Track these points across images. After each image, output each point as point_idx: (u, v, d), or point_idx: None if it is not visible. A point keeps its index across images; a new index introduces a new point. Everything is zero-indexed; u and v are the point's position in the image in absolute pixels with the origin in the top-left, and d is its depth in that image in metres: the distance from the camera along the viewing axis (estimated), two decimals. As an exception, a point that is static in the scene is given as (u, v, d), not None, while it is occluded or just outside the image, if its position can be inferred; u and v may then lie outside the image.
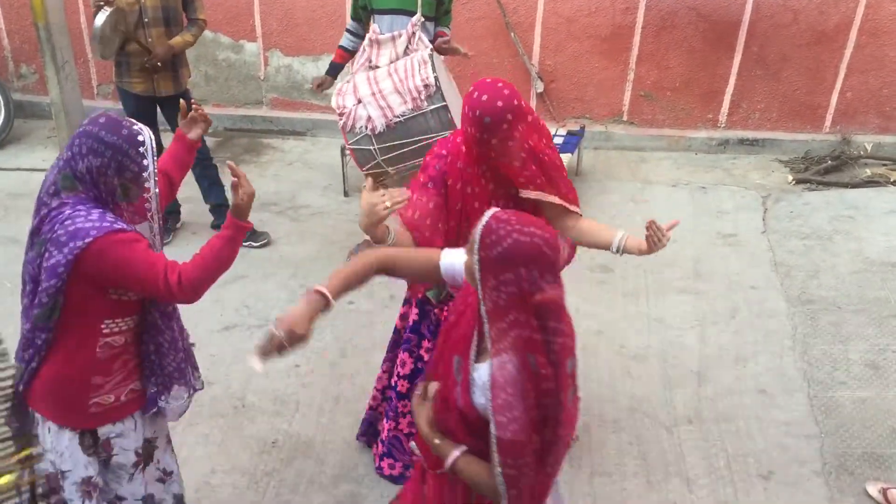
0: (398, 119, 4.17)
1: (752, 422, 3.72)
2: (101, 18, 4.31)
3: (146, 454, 2.54)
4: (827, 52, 6.14)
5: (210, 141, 6.16)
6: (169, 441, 2.66)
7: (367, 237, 5.18)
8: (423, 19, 4.44)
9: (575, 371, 1.89)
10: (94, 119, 2.24)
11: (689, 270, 4.85)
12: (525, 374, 1.78)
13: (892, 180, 5.84)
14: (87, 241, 2.14)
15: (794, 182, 5.92)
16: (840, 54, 6.13)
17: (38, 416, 2.40)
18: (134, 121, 2.29)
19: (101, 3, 4.33)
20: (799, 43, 6.11)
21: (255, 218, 5.14)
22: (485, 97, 2.47)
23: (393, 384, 3.20)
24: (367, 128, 4.20)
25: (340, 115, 4.31)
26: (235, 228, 2.37)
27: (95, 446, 2.42)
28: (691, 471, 3.47)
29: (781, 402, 3.83)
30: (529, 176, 2.62)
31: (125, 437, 2.45)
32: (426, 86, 4.11)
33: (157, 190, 2.33)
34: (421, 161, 4.34)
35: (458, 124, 4.18)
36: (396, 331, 3.27)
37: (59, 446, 2.39)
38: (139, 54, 4.56)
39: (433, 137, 4.19)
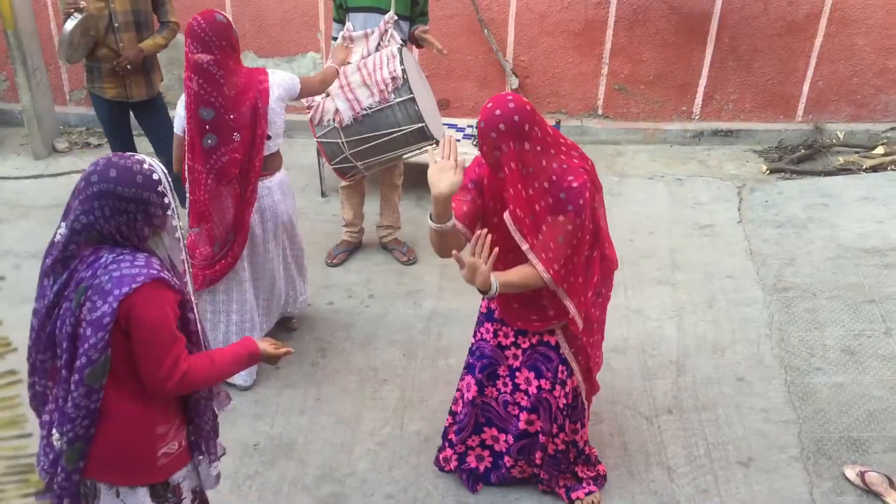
0: (365, 112, 4.16)
1: (731, 410, 3.76)
2: (70, 24, 4.28)
3: (203, 493, 2.54)
4: (798, 42, 6.20)
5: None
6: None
7: (346, 239, 5.17)
8: (396, 17, 4.44)
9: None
10: (103, 174, 2.12)
11: (667, 261, 4.89)
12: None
13: (864, 167, 5.91)
14: (133, 287, 2.07)
15: (768, 171, 5.98)
16: (811, 44, 6.19)
17: (100, 485, 2.27)
18: (140, 157, 2.19)
19: (71, 10, 4.29)
20: (770, 33, 6.17)
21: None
22: (489, 105, 2.63)
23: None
24: (334, 120, 4.19)
25: (309, 108, 4.31)
26: (251, 358, 2.40)
27: (167, 492, 2.36)
28: (672, 460, 3.50)
29: (759, 389, 3.87)
30: (512, 196, 2.67)
31: (189, 479, 2.43)
32: (393, 78, 4.10)
33: (180, 224, 2.29)
34: (390, 156, 4.38)
35: (426, 119, 4.20)
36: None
37: None
38: (110, 59, 4.53)
39: (401, 131, 4.19)
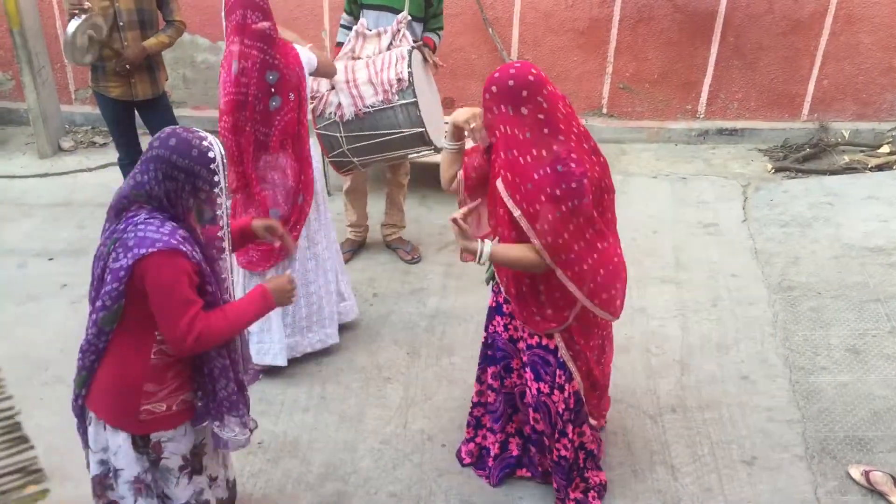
0: (367, 109, 4.17)
1: (735, 409, 3.75)
2: (73, 25, 4.29)
3: (196, 461, 2.58)
4: (803, 41, 6.18)
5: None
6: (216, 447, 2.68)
7: (350, 237, 5.19)
8: (409, 17, 4.43)
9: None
10: (164, 141, 2.25)
11: (671, 260, 4.88)
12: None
13: (869, 166, 5.89)
14: (150, 250, 2.19)
15: (773, 170, 5.97)
16: (816, 42, 6.18)
17: (91, 414, 2.47)
18: (203, 134, 2.30)
19: (75, 11, 4.30)
20: (775, 32, 6.15)
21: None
22: (497, 73, 2.63)
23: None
24: (336, 114, 4.20)
25: (312, 98, 4.31)
26: (264, 299, 2.47)
27: (146, 447, 2.48)
28: (676, 459, 3.50)
29: (763, 388, 3.87)
30: (503, 161, 2.66)
31: (175, 441, 2.49)
32: (399, 80, 4.11)
33: (229, 202, 2.39)
34: (387, 156, 4.38)
35: (427, 124, 4.19)
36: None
37: (113, 445, 2.46)
38: (114, 58, 4.53)
39: (400, 133, 4.19)
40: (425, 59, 4.49)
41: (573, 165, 2.56)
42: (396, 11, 4.42)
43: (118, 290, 2.23)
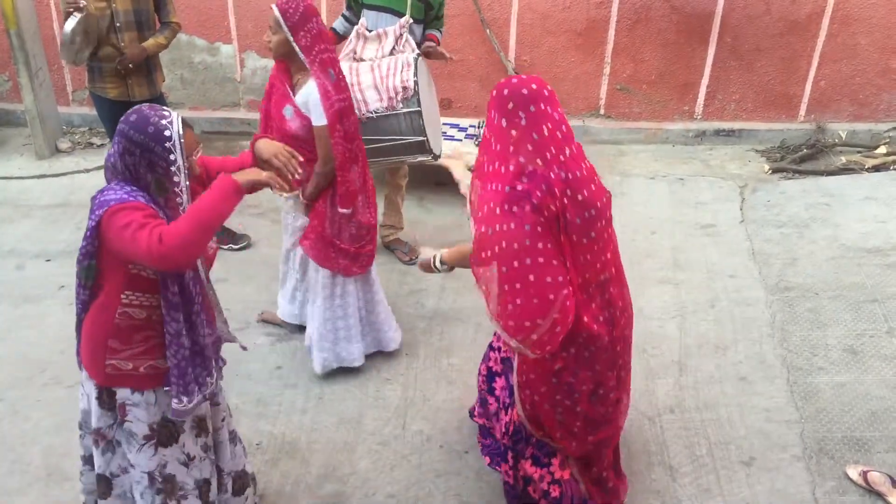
0: (371, 115, 4.17)
1: (733, 409, 3.76)
2: (70, 24, 4.29)
3: (165, 434, 2.61)
4: (800, 42, 6.19)
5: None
6: (204, 430, 2.71)
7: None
8: (411, 21, 4.43)
9: None
10: (127, 116, 2.36)
11: (669, 261, 4.89)
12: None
13: (866, 167, 5.91)
14: (105, 209, 2.29)
15: (770, 171, 5.98)
16: (813, 43, 6.19)
17: (79, 358, 2.62)
18: (166, 112, 2.36)
19: (71, 10, 4.30)
20: (772, 33, 6.16)
21: (236, 221, 5.15)
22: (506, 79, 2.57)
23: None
24: None
25: None
26: (234, 187, 2.40)
27: (112, 407, 2.57)
28: (674, 459, 3.50)
29: (761, 388, 3.87)
30: (478, 163, 2.61)
31: (139, 407, 2.55)
32: (404, 88, 4.11)
33: (186, 183, 2.42)
34: (385, 160, 4.37)
35: (428, 133, 4.19)
36: None
37: (86, 390, 2.61)
38: (112, 59, 4.53)
39: (401, 140, 4.19)
40: (441, 56, 4.53)
41: (519, 188, 2.42)
42: (396, 13, 4.42)
43: (86, 249, 2.38)
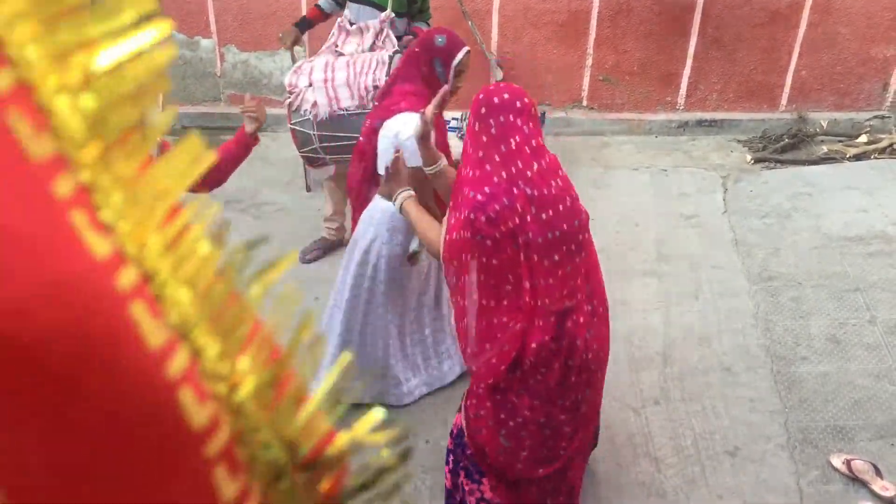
0: (342, 112, 4.16)
1: (718, 400, 3.77)
2: None
3: None
4: (781, 32, 6.21)
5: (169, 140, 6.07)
6: None
7: (324, 235, 5.13)
8: (392, 16, 4.40)
9: None
10: None
11: (652, 253, 4.89)
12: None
13: (848, 156, 5.93)
14: None
15: (752, 161, 5.99)
16: (794, 33, 6.20)
17: None
18: None
19: None
20: (753, 23, 6.17)
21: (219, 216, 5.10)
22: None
23: None
24: (310, 112, 4.18)
25: (290, 92, 4.28)
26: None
27: None
28: (659, 451, 3.51)
29: (745, 379, 3.89)
30: (461, 165, 2.60)
31: None
32: (375, 87, 4.09)
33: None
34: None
35: None
36: None
37: None
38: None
39: None
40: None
41: (478, 198, 2.36)
42: (378, 7, 4.40)
43: None
